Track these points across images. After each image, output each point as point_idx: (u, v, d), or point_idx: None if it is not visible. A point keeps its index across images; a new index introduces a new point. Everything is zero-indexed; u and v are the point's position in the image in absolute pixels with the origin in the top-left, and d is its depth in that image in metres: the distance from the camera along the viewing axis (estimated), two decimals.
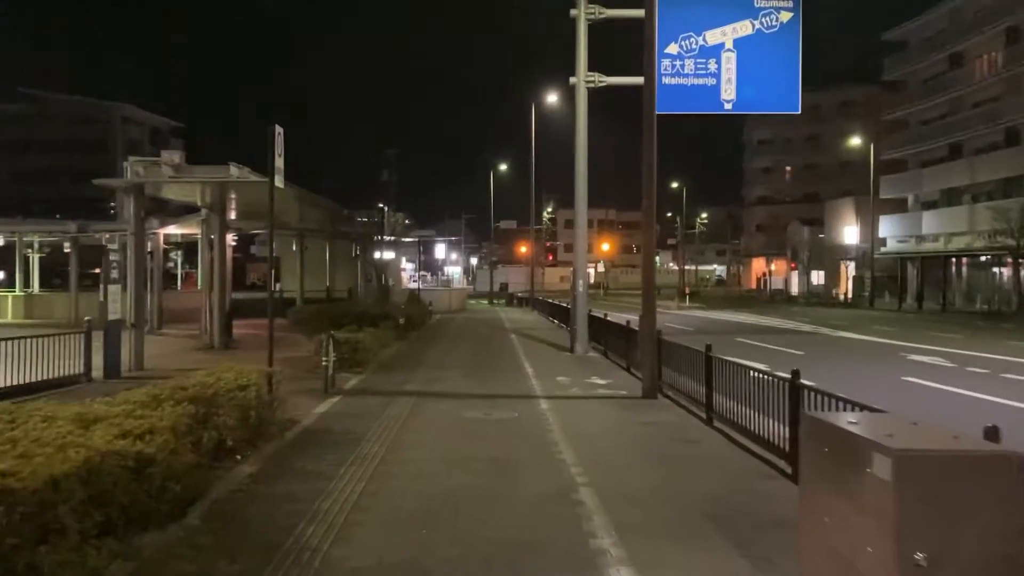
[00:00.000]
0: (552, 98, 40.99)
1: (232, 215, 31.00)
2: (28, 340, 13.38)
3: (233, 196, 20.43)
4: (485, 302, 59.41)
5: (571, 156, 20.86)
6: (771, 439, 8.45)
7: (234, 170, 15.93)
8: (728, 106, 20.24)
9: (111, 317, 14.80)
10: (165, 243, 33.74)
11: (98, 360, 14.86)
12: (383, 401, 12.36)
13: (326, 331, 20.53)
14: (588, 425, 10.63)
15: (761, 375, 8.87)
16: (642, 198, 13.34)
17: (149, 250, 30.98)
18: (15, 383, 12.89)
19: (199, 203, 20.92)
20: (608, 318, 20.14)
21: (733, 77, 20.10)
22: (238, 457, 8.36)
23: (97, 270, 33.95)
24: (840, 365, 18.26)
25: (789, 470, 7.81)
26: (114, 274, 14.91)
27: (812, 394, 7.47)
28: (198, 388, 8.17)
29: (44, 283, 38.62)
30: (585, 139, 20.63)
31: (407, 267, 70.92)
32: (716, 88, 20.16)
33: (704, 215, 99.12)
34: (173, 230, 29.07)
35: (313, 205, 25.15)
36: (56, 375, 13.88)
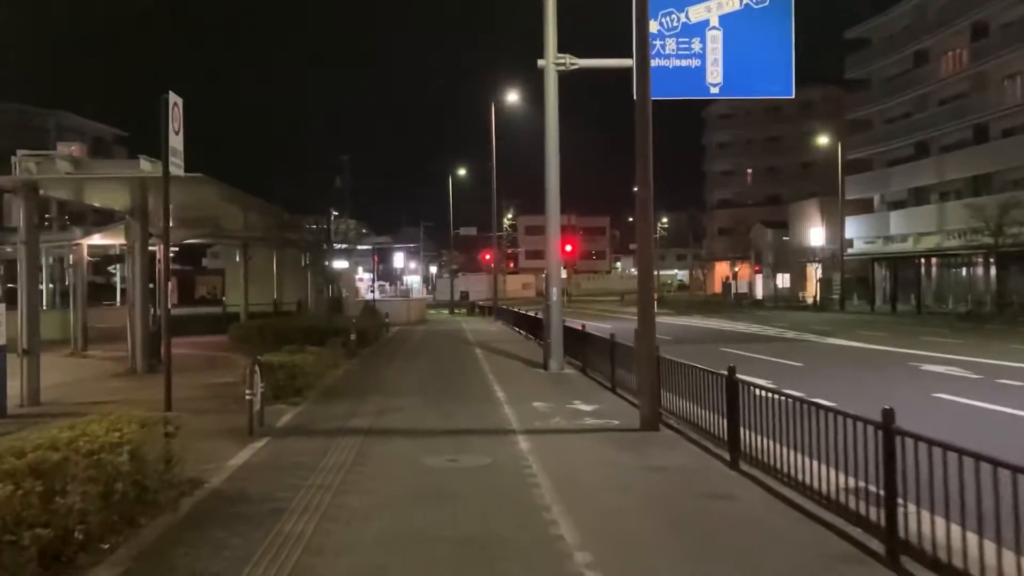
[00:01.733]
0: (513, 97, 38.88)
1: (170, 222, 28.33)
2: None
3: (155, 198, 17.82)
4: (446, 312, 56.89)
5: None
6: (846, 502, 6.20)
7: (145, 165, 13.39)
8: (715, 90, 18.12)
9: None
10: (95, 255, 30.84)
11: None
12: (322, 444, 9.89)
13: (266, 350, 18.14)
14: (584, 474, 8.29)
15: (837, 415, 6.44)
16: (637, 189, 11.09)
17: (70, 262, 28.20)
18: None
19: (115, 207, 18.20)
20: (586, 329, 17.89)
21: (720, 58, 17.97)
22: (104, 546, 5.90)
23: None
24: (854, 379, 16.20)
25: (882, 549, 5.56)
26: None
27: (907, 440, 5.27)
28: (40, 454, 5.69)
29: None
30: (556, 129, 18.36)
31: (363, 277, 68.06)
32: (701, 70, 18.01)
33: (664, 220, 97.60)
34: (98, 240, 26.23)
35: (247, 207, 22.55)
36: None
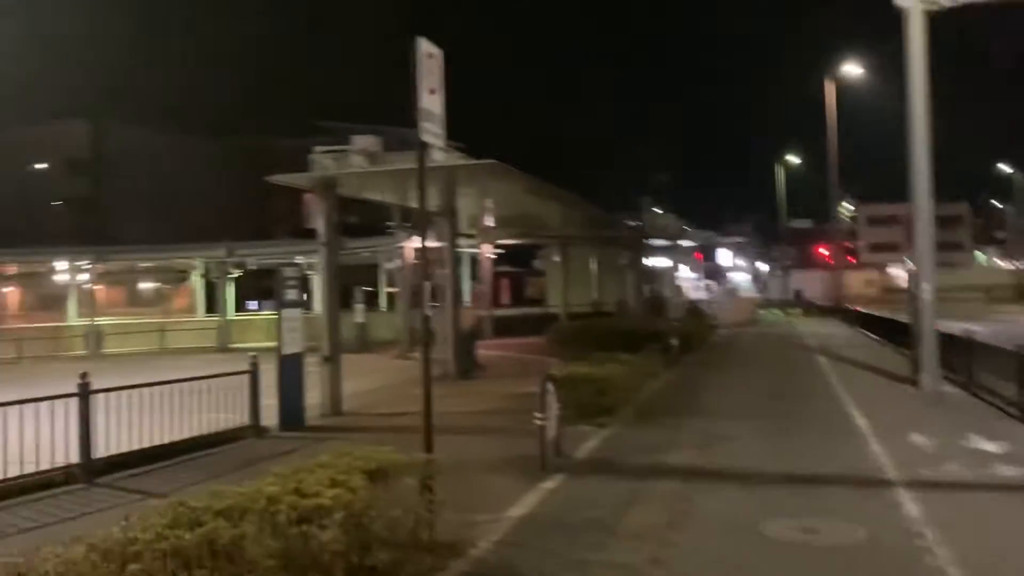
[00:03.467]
0: (851, 66, 34.25)
1: (491, 221, 28.08)
2: (195, 381, 10.43)
3: (468, 193, 16.87)
4: (777, 312, 52.35)
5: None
6: None
7: (438, 155, 12.06)
8: None
9: (286, 350, 11.46)
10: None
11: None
12: (628, 490, 7.65)
13: (582, 353, 16.38)
14: None
15: None
16: None
17: (399, 266, 28.86)
18: (175, 439, 9.87)
19: (407, 204, 17.51)
20: (972, 336, 13.96)
21: None
22: None
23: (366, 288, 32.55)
24: None
25: None
26: (290, 295, 11.57)
27: None
28: (211, 527, 4.04)
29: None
30: (924, 86, 14.56)
31: (686, 275, 65.36)
32: None
33: None
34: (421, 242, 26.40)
35: (559, 202, 21.08)
36: (222, 426, 10.77)
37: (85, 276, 33.05)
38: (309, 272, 25.82)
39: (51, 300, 37.73)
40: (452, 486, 6.29)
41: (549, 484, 7.90)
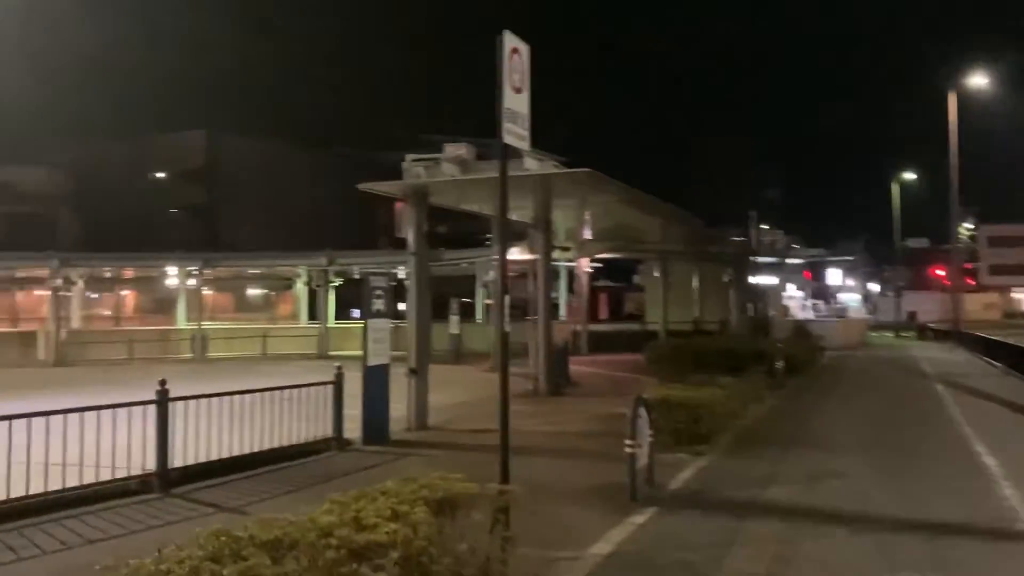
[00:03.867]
0: (977, 77, 32.30)
1: (589, 233, 27.42)
2: (282, 391, 10.30)
3: (563, 205, 16.39)
4: (889, 335, 49.81)
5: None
6: None
7: (531, 162, 11.67)
8: None
9: (372, 362, 11.18)
10: (516, 270, 31.13)
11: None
12: (725, 530, 6.98)
13: (681, 373, 15.64)
14: None
15: None
16: None
17: (494, 278, 28.58)
18: (255, 450, 9.72)
19: (514, 217, 17.11)
20: None
21: None
22: None
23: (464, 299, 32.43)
24: None
25: None
26: (376, 305, 11.30)
27: None
28: (248, 565, 3.66)
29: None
30: None
31: (793, 295, 63.06)
32: None
33: None
34: (516, 255, 26.05)
35: (659, 215, 20.35)
36: (304, 438, 10.58)
37: (193, 281, 34.07)
38: (407, 282, 25.82)
39: (163, 304, 39.13)
40: (531, 516, 5.81)
41: (639, 518, 7.29)
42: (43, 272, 31.24)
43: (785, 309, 45.81)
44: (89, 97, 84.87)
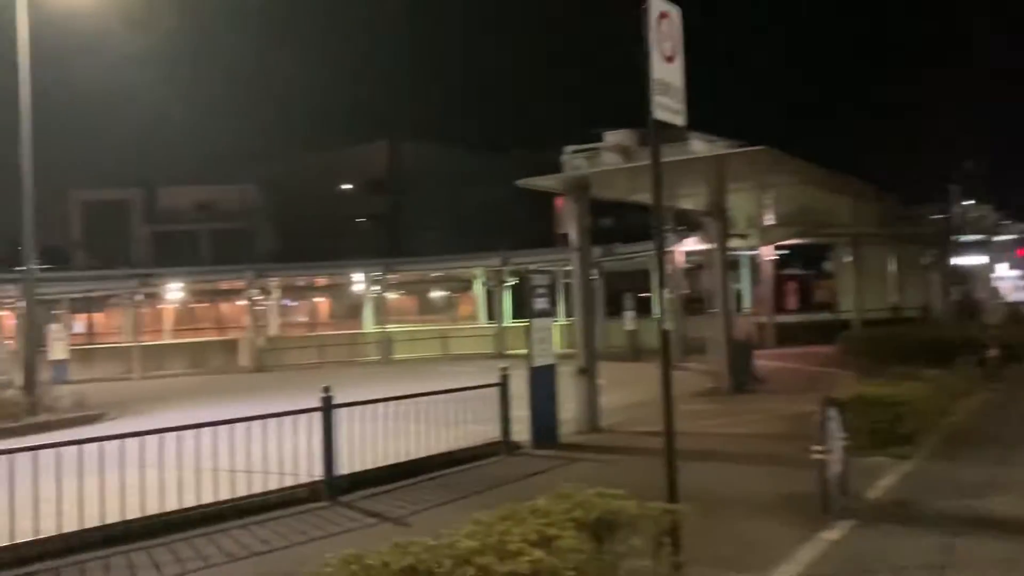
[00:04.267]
0: None
1: (772, 218, 25.84)
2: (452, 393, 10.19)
3: (740, 188, 15.38)
4: None
5: None
6: None
7: (698, 145, 10.90)
8: None
9: (537, 363, 10.82)
10: (694, 261, 30.01)
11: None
12: (935, 549, 6.03)
13: (880, 367, 14.30)
14: None
15: None
16: None
17: (670, 271, 27.61)
18: (423, 455, 9.63)
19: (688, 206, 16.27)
20: None
21: None
22: None
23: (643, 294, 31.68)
24: None
25: None
26: (539, 304, 10.92)
27: None
28: None
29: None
30: None
31: (1006, 275, 57.34)
32: None
33: None
34: (692, 245, 25.08)
35: (846, 194, 18.74)
36: (472, 442, 10.39)
37: (377, 287, 35.35)
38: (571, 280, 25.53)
39: (352, 309, 40.92)
40: (708, 530, 5.22)
41: (831, 534, 6.47)
42: (241, 284, 33.30)
43: (996, 291, 41.71)
44: (281, 115, 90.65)
